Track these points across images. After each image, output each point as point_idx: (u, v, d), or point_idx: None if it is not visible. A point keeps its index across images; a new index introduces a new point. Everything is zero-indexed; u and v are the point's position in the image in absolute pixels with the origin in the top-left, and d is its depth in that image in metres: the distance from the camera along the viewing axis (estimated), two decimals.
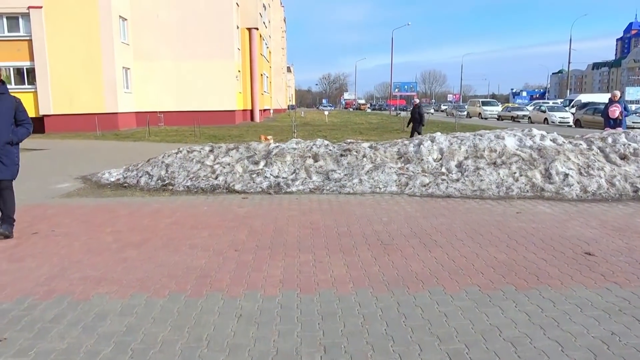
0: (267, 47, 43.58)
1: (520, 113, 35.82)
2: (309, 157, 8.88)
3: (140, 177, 8.72)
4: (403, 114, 42.60)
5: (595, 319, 3.19)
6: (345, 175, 8.33)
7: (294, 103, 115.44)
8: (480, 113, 40.65)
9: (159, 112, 27.68)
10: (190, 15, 27.89)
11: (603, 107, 12.68)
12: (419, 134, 14.52)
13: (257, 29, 33.03)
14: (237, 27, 31.01)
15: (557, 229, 5.44)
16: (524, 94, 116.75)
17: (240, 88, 31.76)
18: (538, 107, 34.05)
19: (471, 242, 4.95)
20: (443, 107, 65.45)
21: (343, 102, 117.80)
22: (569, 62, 47.43)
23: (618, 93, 11.41)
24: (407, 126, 15.70)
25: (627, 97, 66.37)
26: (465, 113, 43.35)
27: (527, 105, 45.11)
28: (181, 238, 5.14)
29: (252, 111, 33.93)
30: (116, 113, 25.03)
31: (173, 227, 5.59)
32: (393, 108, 63.31)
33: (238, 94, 30.61)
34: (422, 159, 8.52)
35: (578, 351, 2.78)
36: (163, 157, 9.25)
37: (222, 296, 3.60)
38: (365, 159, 8.69)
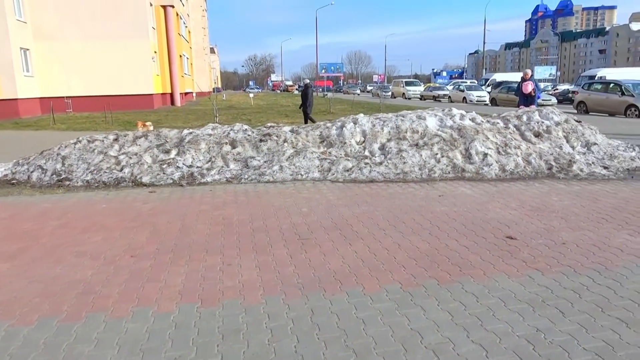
0: (186, 27, 41.41)
1: (441, 92, 36.92)
2: (226, 143, 8.27)
3: (32, 172, 7.69)
4: (330, 95, 42.50)
5: (519, 313, 2.99)
6: (265, 162, 7.84)
7: (219, 85, 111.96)
8: (404, 93, 41.45)
9: (67, 97, 25.39)
10: None
11: (516, 86, 13.09)
12: (307, 115, 14.37)
13: (172, 6, 31.10)
14: (151, 5, 29.00)
15: (478, 212, 5.33)
16: (444, 73, 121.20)
17: (158, 70, 29.91)
18: (457, 87, 35.26)
19: (394, 231, 4.68)
20: (369, 88, 66.24)
21: (270, 84, 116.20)
22: (484, 43, 49.52)
23: (529, 71, 11.79)
24: (300, 108, 15.39)
25: (536, 76, 70.92)
26: (390, 93, 44.02)
27: (447, 84, 46.65)
28: (68, 245, 4.43)
29: (172, 94, 32.16)
30: (15, 99, 22.59)
31: (60, 232, 4.83)
32: (320, 89, 63.12)
33: (155, 76, 28.81)
34: (345, 142, 8.21)
35: (503, 356, 2.54)
36: (59, 148, 8.23)
37: (104, 317, 3.02)
38: (286, 144, 8.23)
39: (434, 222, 4.97)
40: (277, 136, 8.40)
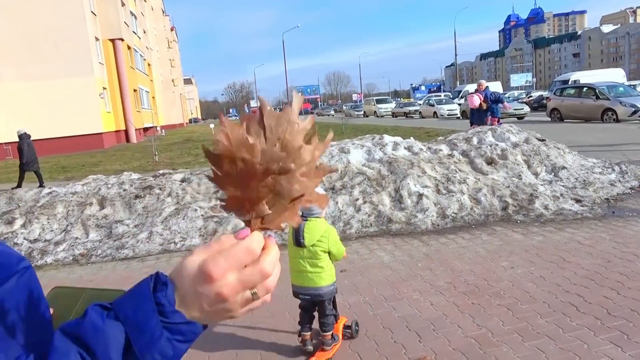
0: (145, 60, 39.77)
1: (412, 108, 35.46)
2: (92, 203, 6.39)
3: None
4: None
5: None
6: (135, 226, 5.96)
7: (197, 116, 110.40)
8: (375, 111, 40.03)
9: (5, 143, 23.41)
10: (35, 28, 23.88)
11: None
12: (23, 173, 10.27)
13: (122, 39, 29.46)
14: (97, 39, 27.36)
15: (384, 306, 3.47)
16: (423, 88, 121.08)
17: (109, 107, 28.06)
18: (427, 102, 33.85)
19: None
20: (344, 107, 65.18)
21: (248, 111, 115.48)
22: (456, 55, 48.69)
23: (483, 82, 10.17)
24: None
25: (512, 84, 70.33)
26: (362, 112, 42.65)
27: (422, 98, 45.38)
28: None
29: (127, 131, 30.27)
30: None
31: None
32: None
33: (105, 113, 26.94)
34: None
35: None
36: None
37: None
38: (170, 198, 6.37)
39: None
40: (160, 188, 6.55)
